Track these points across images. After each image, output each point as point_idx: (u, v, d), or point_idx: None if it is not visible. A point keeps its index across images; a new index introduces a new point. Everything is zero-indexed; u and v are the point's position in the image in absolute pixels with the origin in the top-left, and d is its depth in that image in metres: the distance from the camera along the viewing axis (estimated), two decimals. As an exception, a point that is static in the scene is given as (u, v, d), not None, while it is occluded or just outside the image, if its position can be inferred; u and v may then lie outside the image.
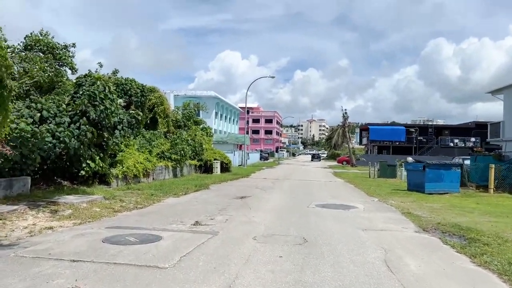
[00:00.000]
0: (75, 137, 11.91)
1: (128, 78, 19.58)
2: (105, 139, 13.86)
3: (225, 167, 26.76)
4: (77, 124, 12.21)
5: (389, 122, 58.55)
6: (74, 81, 14.72)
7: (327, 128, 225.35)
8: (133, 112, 15.08)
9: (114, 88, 18.98)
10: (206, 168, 25.57)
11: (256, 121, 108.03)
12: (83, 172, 12.75)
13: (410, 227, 8.62)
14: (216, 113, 63.34)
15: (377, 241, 7.07)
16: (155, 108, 22.60)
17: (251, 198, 13.45)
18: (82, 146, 11.94)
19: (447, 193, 16.00)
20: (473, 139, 52.49)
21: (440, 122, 56.46)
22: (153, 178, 18.57)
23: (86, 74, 14.01)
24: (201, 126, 28.51)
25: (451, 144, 53.10)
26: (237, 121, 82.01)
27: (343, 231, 7.89)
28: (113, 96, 14.06)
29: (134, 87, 19.36)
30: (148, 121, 22.66)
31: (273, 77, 36.45)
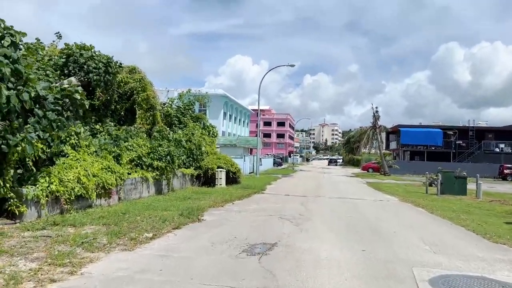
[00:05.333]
0: None
1: (84, 45, 13.03)
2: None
3: (232, 177, 20.09)
4: None
5: (421, 124, 51.16)
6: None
7: (339, 133, 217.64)
8: (69, 87, 8.52)
9: (63, 60, 12.54)
10: (207, 179, 18.95)
11: (267, 124, 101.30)
12: None
13: None
14: (225, 114, 56.92)
15: None
16: (135, 96, 16.06)
17: (279, 254, 6.70)
18: None
19: None
20: (523, 143, 45.01)
21: (482, 124, 49.01)
22: (120, 198, 11.98)
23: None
24: (201, 123, 21.90)
25: (497, 150, 45.70)
26: (247, 124, 75.64)
27: None
28: (20, 54, 7.57)
29: (94, 60, 12.81)
30: (123, 113, 16.13)
31: (293, 65, 29.88)
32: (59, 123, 8.29)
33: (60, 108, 8.33)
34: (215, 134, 22.82)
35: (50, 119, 8.12)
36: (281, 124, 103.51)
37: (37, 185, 8.52)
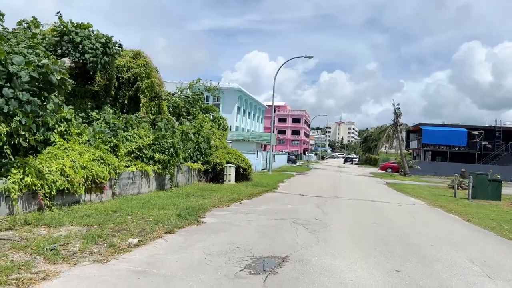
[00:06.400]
0: None
1: (79, 23, 11.73)
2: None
3: (242, 174, 18.71)
4: None
5: (444, 123, 48.78)
6: None
7: (356, 131, 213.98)
8: (47, 64, 7.23)
9: (57, 38, 11.33)
10: (215, 175, 17.60)
11: (282, 120, 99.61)
12: None
13: None
14: (239, 108, 55.54)
15: None
16: (138, 82, 14.80)
17: (291, 274, 5.24)
18: None
19: None
20: (554, 146, 42.29)
21: (509, 124, 46.28)
22: (115, 194, 10.73)
23: None
24: (211, 115, 20.56)
25: (525, 152, 43.03)
26: (262, 119, 74.09)
27: None
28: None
29: (90, 39, 11.54)
30: (126, 101, 14.90)
31: (311, 56, 28.24)
32: (33, 106, 7.01)
33: (35, 89, 7.04)
34: (226, 127, 21.47)
35: (22, 100, 6.85)
36: (296, 121, 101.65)
37: (9, 177, 7.28)
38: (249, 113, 62.43)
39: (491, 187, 16.85)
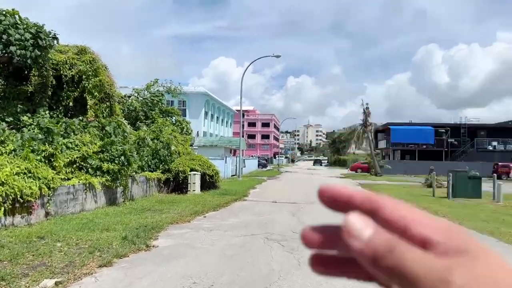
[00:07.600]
0: None
1: (1, 9, 9.75)
2: None
3: (209, 182, 17.02)
4: None
5: (411, 122, 49.01)
6: None
7: (324, 134, 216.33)
8: None
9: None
10: (178, 184, 15.82)
11: (252, 124, 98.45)
12: None
13: None
14: (206, 113, 53.68)
15: None
16: (84, 81, 12.88)
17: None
18: None
19: None
20: (516, 141, 43.30)
21: (473, 121, 47.12)
22: (48, 213, 8.83)
23: None
24: (173, 118, 18.78)
25: (490, 148, 43.84)
26: (231, 124, 72.44)
27: None
28: None
29: (18, 29, 9.59)
30: (71, 104, 12.93)
31: (278, 56, 27.00)
32: None
33: None
34: (190, 131, 19.74)
35: None
36: (265, 125, 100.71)
37: None
38: (217, 118, 60.72)
39: (471, 185, 16.05)
